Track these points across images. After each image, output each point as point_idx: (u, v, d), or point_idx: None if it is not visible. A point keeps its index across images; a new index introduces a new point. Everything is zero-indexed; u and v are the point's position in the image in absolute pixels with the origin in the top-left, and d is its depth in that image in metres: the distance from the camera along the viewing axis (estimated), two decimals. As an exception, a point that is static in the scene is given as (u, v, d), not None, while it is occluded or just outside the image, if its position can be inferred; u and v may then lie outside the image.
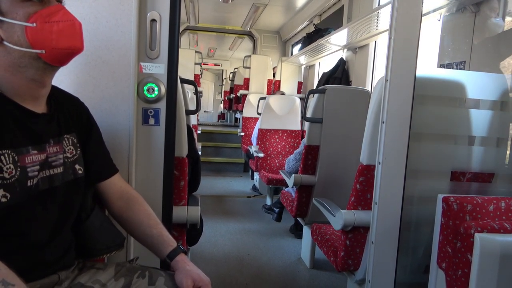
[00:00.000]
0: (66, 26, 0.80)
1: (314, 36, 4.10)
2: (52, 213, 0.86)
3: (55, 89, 0.94)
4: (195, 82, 1.84)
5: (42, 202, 0.83)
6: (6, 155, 0.75)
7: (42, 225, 0.83)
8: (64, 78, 1.18)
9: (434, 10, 2.09)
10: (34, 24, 0.76)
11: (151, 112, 1.28)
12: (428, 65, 2.11)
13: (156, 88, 1.25)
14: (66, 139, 0.91)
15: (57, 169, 0.87)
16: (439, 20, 2.09)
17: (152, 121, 1.28)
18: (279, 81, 5.42)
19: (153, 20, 1.24)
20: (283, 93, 4.47)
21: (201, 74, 7.15)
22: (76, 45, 0.83)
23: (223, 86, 10.83)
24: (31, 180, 0.79)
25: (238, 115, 6.56)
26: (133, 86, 1.22)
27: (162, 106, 1.27)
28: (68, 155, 0.91)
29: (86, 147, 0.98)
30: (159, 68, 1.26)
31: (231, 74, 7.80)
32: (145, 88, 1.25)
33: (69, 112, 0.95)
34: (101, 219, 1.03)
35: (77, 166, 0.93)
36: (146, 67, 1.25)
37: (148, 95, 1.25)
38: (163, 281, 0.95)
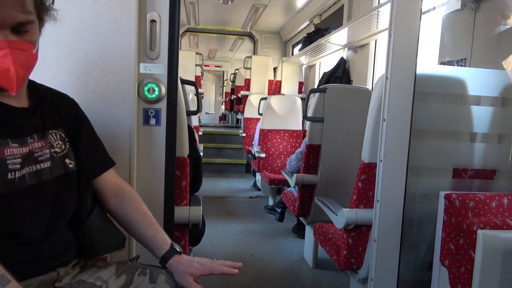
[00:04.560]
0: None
1: (315, 36, 4.10)
2: (43, 208, 0.85)
3: (38, 85, 0.93)
4: (195, 83, 1.84)
5: (31, 197, 0.82)
6: None
7: (33, 221, 0.83)
8: (65, 79, 1.19)
9: (434, 8, 2.09)
10: None
11: (151, 112, 1.28)
12: (430, 63, 2.11)
13: (156, 89, 1.26)
14: (53, 134, 0.90)
15: (44, 164, 0.86)
16: (440, 19, 2.09)
17: (153, 121, 1.28)
18: (280, 82, 5.42)
19: (153, 21, 1.24)
20: None
21: (202, 75, 7.15)
22: (6, 87, 0.76)
23: (224, 87, 10.84)
24: (12, 173, 0.78)
25: (239, 116, 6.56)
26: (133, 86, 1.22)
27: (162, 106, 1.28)
28: (57, 149, 0.90)
29: (77, 144, 0.97)
30: (159, 68, 1.26)
31: (232, 75, 7.80)
32: (146, 88, 1.25)
33: (55, 108, 0.94)
34: (102, 219, 1.02)
35: (67, 160, 0.92)
36: (146, 67, 1.26)
37: (149, 96, 1.26)
38: (164, 278, 0.95)
